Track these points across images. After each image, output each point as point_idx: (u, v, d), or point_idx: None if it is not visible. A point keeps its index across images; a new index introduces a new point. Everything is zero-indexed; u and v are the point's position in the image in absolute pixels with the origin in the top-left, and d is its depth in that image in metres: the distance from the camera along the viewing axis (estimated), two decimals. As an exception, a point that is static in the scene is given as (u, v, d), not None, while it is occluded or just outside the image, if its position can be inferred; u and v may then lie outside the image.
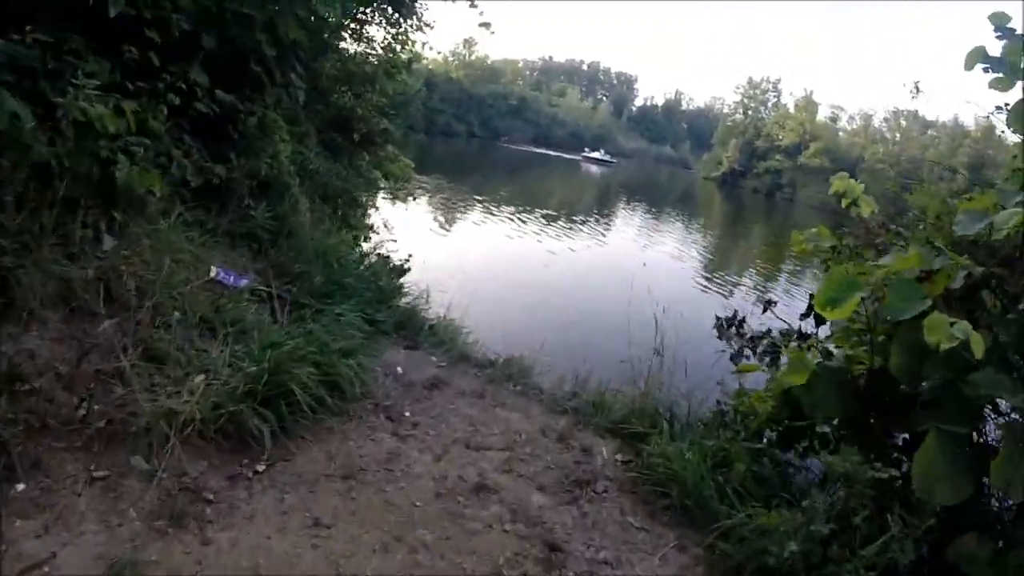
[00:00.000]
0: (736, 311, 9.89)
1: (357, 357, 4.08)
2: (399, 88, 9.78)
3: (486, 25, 9.59)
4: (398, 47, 9.95)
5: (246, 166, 5.06)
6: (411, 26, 10.08)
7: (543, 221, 20.85)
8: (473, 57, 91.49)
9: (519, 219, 20.33)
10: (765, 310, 8.07)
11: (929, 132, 67.40)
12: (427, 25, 10.34)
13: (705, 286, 15.54)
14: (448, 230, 17.61)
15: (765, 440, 3.88)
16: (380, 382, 4.39)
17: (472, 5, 9.42)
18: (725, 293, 14.86)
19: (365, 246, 7.61)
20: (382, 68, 8.74)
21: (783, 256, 22.56)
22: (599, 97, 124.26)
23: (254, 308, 4.30)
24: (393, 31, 10.06)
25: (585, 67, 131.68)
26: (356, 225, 7.76)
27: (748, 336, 9.15)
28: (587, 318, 10.53)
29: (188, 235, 4.31)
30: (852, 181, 3.76)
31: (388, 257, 7.17)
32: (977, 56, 3.03)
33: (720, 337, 9.56)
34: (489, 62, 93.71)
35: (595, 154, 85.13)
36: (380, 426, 3.93)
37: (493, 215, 20.78)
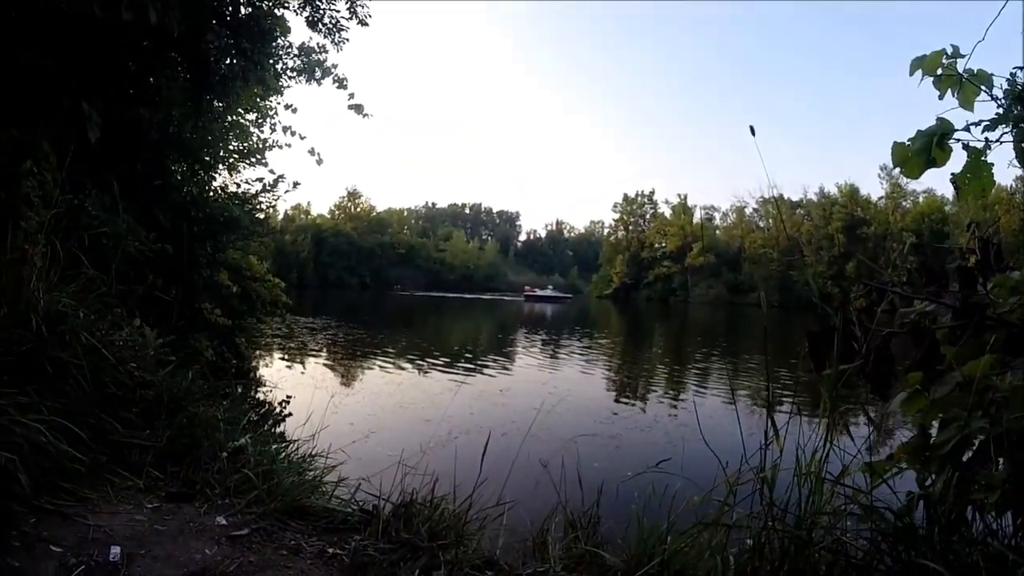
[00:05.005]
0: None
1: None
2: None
3: (357, 108, 8.86)
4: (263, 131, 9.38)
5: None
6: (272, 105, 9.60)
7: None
8: (359, 209, 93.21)
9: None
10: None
11: (798, 211, 74.06)
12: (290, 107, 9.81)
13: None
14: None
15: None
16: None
17: (341, 87, 8.73)
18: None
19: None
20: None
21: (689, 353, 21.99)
22: (484, 237, 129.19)
23: None
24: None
25: (468, 210, 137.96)
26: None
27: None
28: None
29: None
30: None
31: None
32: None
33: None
34: (375, 213, 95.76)
35: (544, 291, 77.10)
36: None
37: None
